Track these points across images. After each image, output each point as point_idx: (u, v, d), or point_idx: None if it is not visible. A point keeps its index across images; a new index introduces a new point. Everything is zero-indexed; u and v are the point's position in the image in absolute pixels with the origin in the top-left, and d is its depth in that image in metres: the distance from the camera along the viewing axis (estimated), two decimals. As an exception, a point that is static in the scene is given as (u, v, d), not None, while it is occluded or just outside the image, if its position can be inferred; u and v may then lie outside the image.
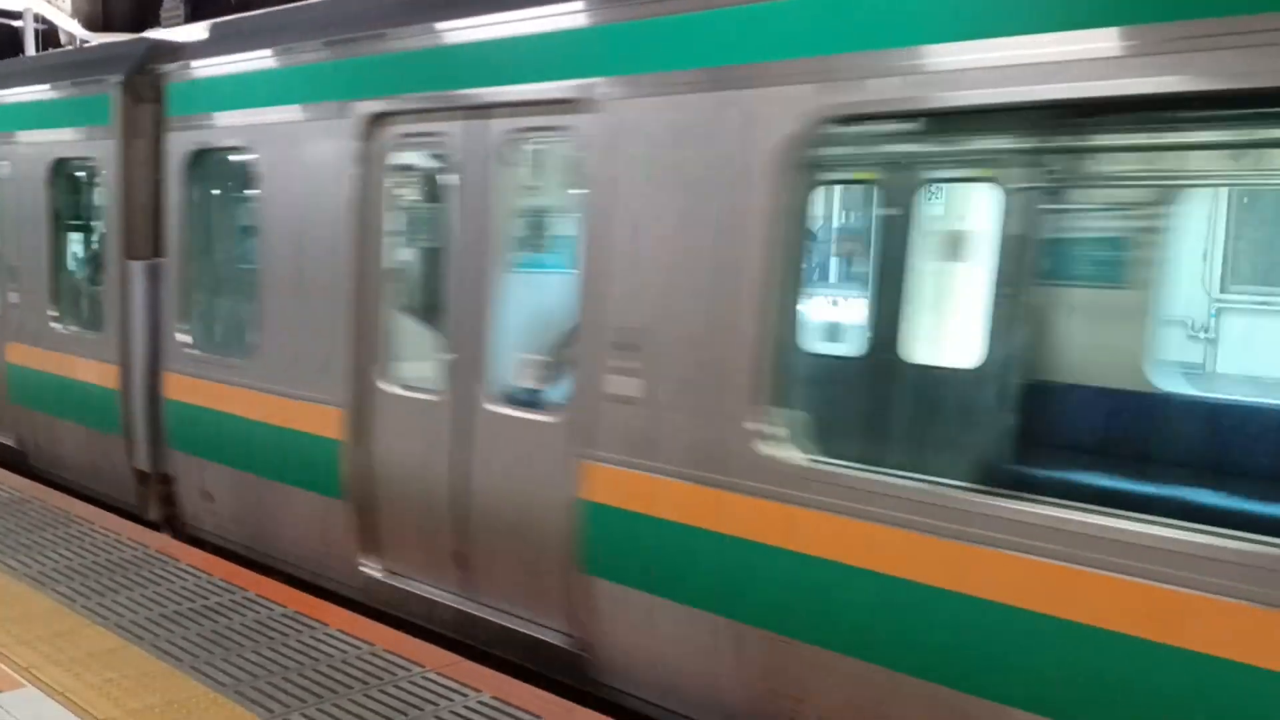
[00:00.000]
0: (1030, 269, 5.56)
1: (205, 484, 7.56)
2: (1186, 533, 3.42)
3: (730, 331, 4.49)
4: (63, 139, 8.78)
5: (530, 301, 8.46)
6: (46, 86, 9.14)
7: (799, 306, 4.69)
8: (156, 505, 8.12)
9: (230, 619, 5.64)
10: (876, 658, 4.16)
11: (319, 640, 5.40)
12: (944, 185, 6.66)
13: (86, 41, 19.00)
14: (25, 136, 9.30)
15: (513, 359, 5.76)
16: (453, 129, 5.85)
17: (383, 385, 6.22)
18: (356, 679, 4.96)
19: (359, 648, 5.31)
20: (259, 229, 7.00)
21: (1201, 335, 7.92)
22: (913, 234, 6.32)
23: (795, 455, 4.38)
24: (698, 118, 4.62)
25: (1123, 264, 5.87)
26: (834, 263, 12.74)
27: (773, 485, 4.40)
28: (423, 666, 5.11)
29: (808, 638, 4.37)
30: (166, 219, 7.76)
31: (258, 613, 5.74)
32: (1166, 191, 5.71)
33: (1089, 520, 3.61)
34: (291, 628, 5.55)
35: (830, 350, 7.52)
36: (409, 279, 6.78)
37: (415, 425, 6.01)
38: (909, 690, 4.07)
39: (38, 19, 20.99)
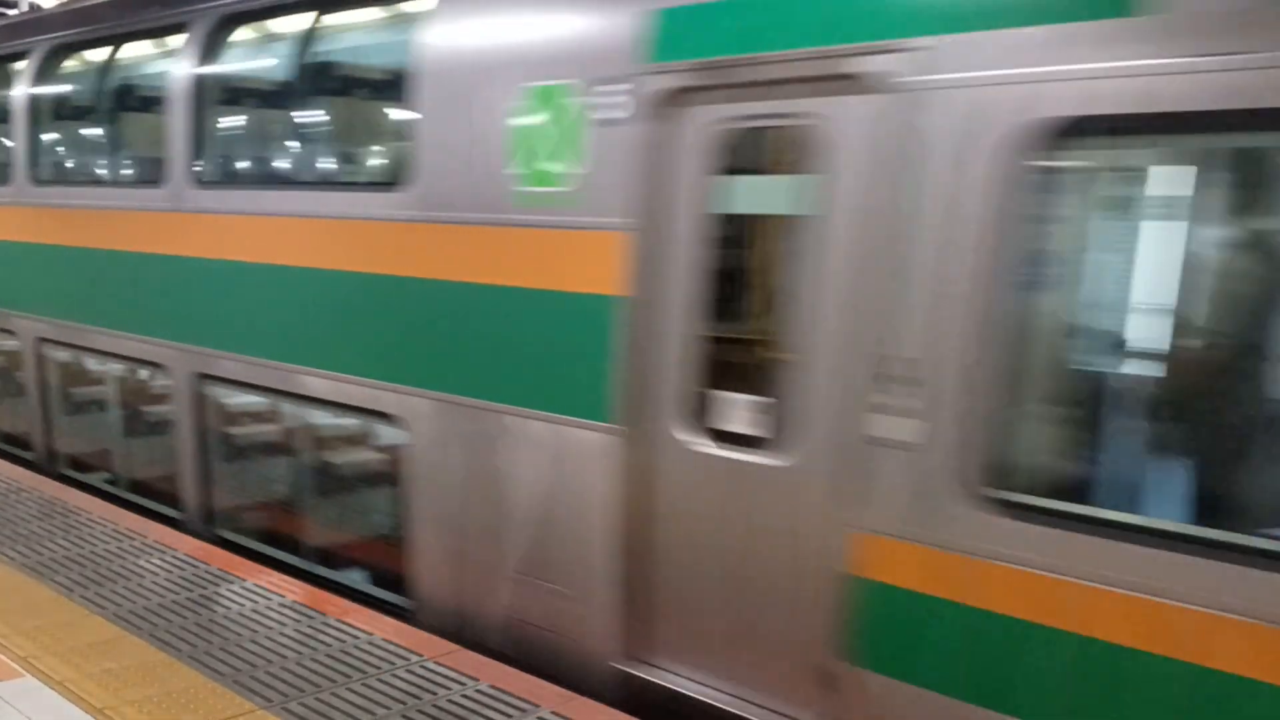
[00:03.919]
0: None
1: None
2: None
3: None
4: None
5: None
6: None
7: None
8: None
9: (228, 608, 5.66)
10: None
11: (317, 630, 5.41)
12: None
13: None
14: None
15: None
16: None
17: None
18: (355, 668, 4.98)
19: (357, 637, 5.33)
20: None
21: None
22: None
23: None
24: None
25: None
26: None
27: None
28: (421, 655, 5.13)
29: None
30: None
31: (256, 603, 5.76)
32: None
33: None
34: (290, 617, 5.56)
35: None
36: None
37: None
38: None
39: (33, 8, 20.98)
